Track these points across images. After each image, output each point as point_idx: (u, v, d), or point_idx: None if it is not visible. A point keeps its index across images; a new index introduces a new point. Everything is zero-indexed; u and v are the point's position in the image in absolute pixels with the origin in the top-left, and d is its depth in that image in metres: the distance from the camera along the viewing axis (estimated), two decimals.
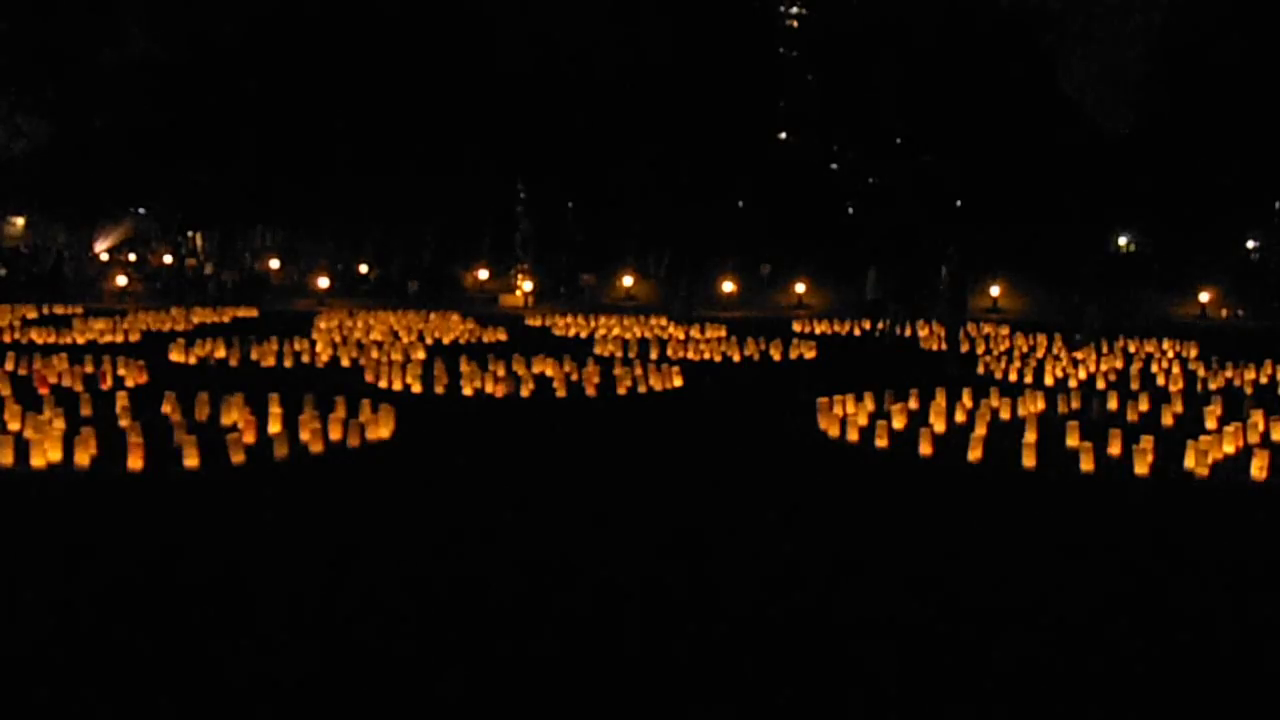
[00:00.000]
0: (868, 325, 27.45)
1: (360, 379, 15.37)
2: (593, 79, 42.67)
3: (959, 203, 46.25)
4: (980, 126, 43.11)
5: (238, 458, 9.53)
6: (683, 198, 42.33)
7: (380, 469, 9.94)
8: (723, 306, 37.38)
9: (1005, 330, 26.35)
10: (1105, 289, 27.04)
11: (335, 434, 10.57)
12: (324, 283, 39.93)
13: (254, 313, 31.27)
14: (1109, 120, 36.29)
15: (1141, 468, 9.69)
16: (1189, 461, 9.85)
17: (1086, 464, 9.84)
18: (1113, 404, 13.45)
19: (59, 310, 29.64)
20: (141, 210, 49.34)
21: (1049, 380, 16.40)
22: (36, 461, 9.30)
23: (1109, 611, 6.15)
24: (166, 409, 11.62)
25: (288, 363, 17.64)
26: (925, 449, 10.52)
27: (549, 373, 15.97)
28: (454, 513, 8.28)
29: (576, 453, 11.01)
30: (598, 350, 20.15)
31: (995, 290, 38.44)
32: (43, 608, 6.00)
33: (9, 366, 15.40)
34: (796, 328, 27.59)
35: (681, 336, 23.47)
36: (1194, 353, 20.80)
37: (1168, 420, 12.57)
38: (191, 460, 9.37)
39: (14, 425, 10.69)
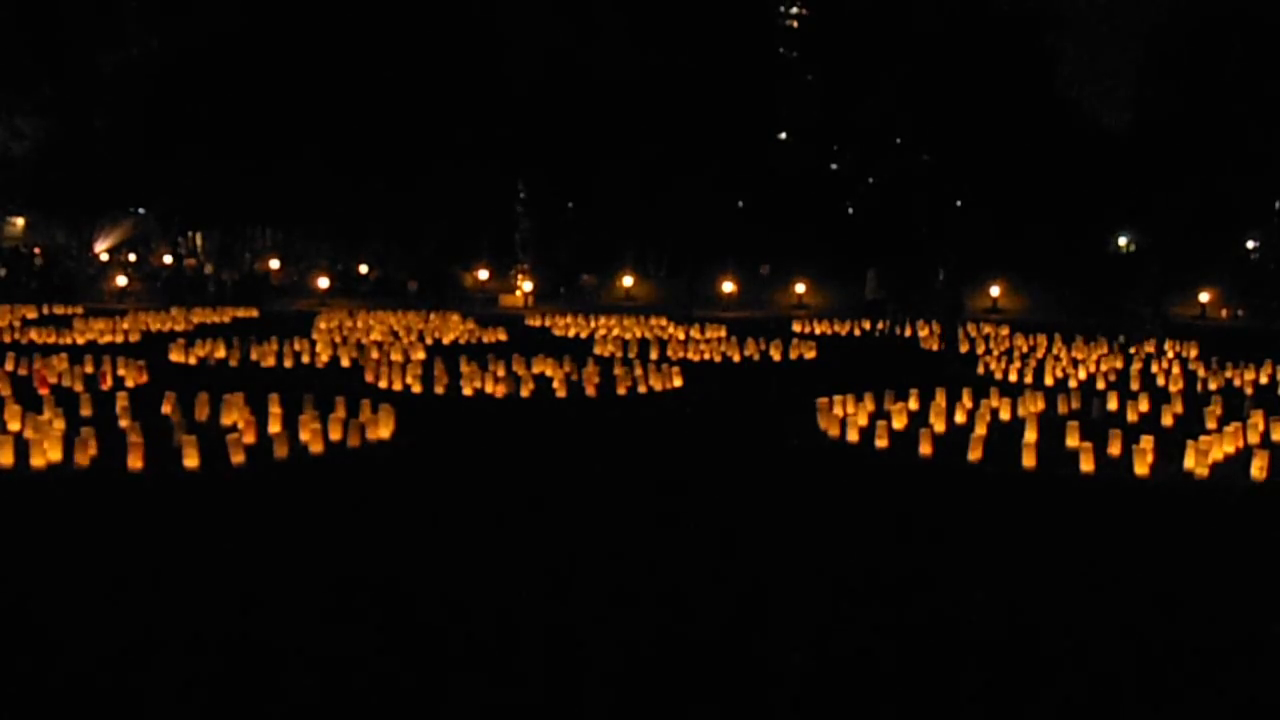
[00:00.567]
0: (868, 325, 27.46)
1: (360, 379, 15.36)
2: (592, 79, 42.68)
3: (959, 203, 46.27)
4: (980, 126, 43.13)
5: (238, 458, 9.52)
6: (682, 198, 42.33)
7: (380, 469, 9.94)
8: (723, 306, 37.39)
9: (1005, 330, 26.35)
10: (1161, 292, 27.27)
11: (335, 434, 10.57)
12: (324, 283, 39.93)
13: (254, 313, 31.26)
14: (1109, 120, 36.35)
15: (1141, 468, 9.69)
16: (1189, 461, 9.84)
17: (1086, 464, 9.84)
18: (1113, 404, 13.45)
19: (59, 310, 29.64)
20: (141, 210, 49.33)
21: (1049, 380, 16.40)
22: (36, 461, 9.29)
23: (1109, 612, 6.15)
24: (166, 409, 11.61)
25: (288, 363, 17.63)
26: (925, 449, 10.52)
27: (549, 373, 15.97)
28: (454, 513, 8.27)
29: (576, 453, 11.01)
30: (598, 350, 20.14)
31: (995, 290, 38.44)
32: (42, 607, 6.01)
33: (9, 366, 15.40)
34: (796, 328, 27.59)
35: (681, 336, 23.47)
36: (1194, 353, 20.80)
37: (1168, 420, 12.56)
38: (191, 460, 9.36)
39: (14, 425, 10.69)
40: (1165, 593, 6.57)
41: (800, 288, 39.51)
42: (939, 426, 11.64)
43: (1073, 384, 15.86)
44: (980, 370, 17.91)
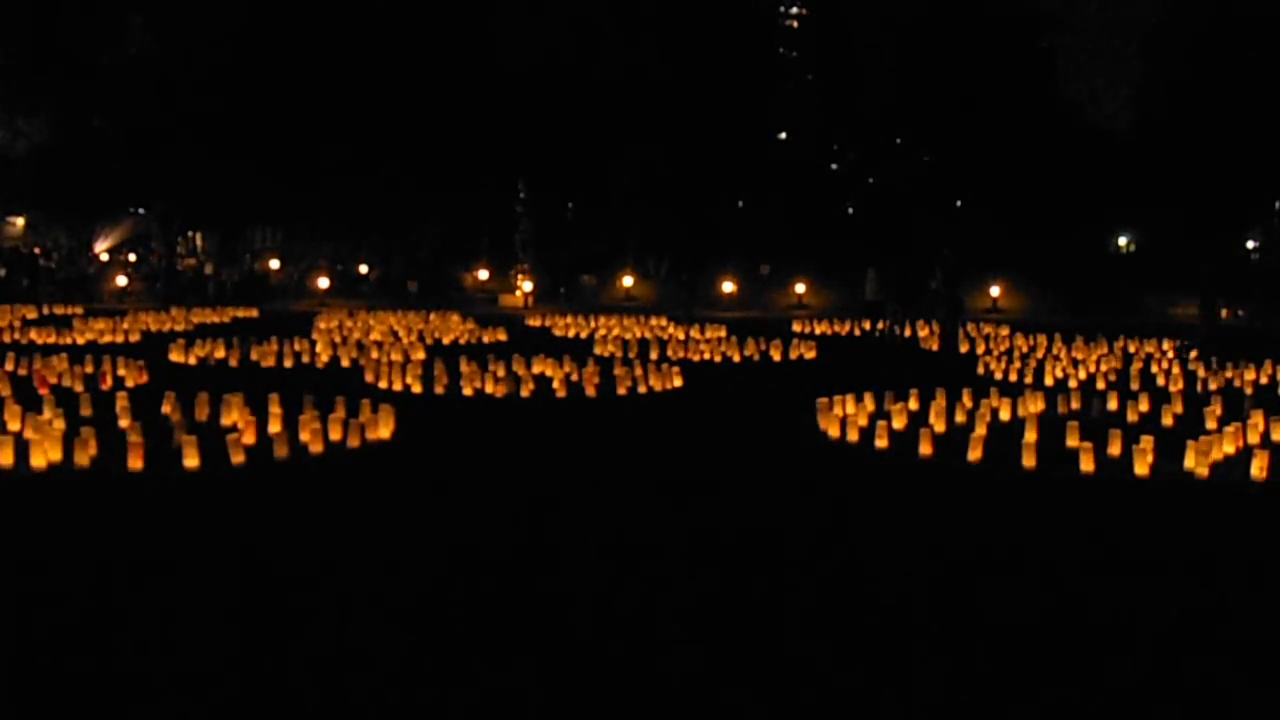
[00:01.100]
0: (868, 325, 27.45)
1: (360, 379, 15.36)
2: (592, 79, 42.68)
3: (959, 203, 46.29)
4: (980, 127, 43.14)
5: (238, 458, 9.52)
6: (682, 198, 42.34)
7: (380, 470, 9.93)
8: (723, 306, 37.38)
9: (1005, 330, 26.35)
10: (1224, 293, 27.23)
11: (335, 434, 10.57)
12: (324, 283, 39.93)
13: (254, 313, 31.26)
14: (1108, 120, 36.38)
15: (1141, 468, 9.68)
16: (1189, 461, 9.84)
17: (1086, 464, 9.83)
18: (1113, 404, 13.45)
19: (59, 310, 29.64)
20: (141, 210, 49.34)
21: (1049, 380, 16.40)
22: (36, 461, 9.29)
23: (1108, 612, 6.15)
24: (166, 409, 11.61)
25: (288, 363, 17.64)
26: (925, 449, 10.52)
27: (549, 373, 15.97)
28: (453, 513, 8.27)
29: (576, 453, 11.00)
30: (598, 350, 20.15)
31: (995, 290, 38.43)
32: (42, 607, 6.01)
33: (9, 366, 15.40)
34: (796, 328, 27.59)
35: (681, 336, 23.47)
36: (1194, 353, 20.78)
37: (1168, 420, 12.56)
38: (191, 460, 9.36)
39: (14, 425, 10.69)
40: (1165, 593, 6.58)
41: (800, 288, 39.50)
42: (939, 426, 11.64)
43: (1073, 384, 15.86)
44: (980, 370, 17.91)
